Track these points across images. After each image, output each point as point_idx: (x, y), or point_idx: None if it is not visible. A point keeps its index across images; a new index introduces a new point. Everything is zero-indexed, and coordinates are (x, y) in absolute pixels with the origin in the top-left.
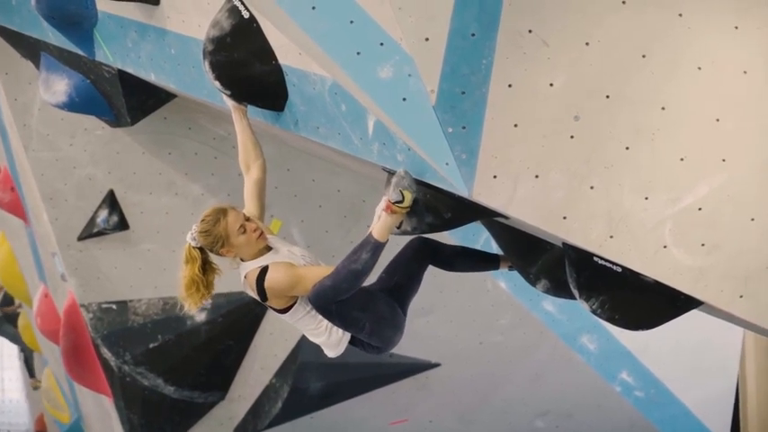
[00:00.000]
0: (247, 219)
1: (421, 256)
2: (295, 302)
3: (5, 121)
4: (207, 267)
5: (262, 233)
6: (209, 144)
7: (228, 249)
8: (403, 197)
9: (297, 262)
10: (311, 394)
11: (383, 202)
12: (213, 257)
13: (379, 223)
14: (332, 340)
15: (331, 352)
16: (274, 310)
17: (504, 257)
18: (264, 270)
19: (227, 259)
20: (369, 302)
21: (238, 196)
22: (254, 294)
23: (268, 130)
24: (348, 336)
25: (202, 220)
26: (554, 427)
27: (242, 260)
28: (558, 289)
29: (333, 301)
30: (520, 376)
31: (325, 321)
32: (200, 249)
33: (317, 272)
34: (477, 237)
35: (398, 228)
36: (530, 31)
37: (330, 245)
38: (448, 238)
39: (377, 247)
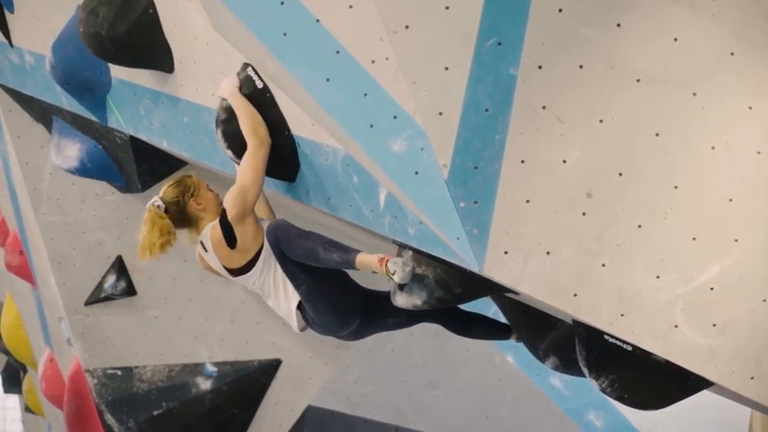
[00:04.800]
0: None
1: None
2: (258, 256)
3: (16, 185)
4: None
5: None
6: None
7: (198, 200)
8: (393, 276)
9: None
10: None
11: (386, 256)
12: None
13: (367, 259)
14: (282, 310)
15: (289, 322)
16: (237, 271)
17: None
18: (223, 213)
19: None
20: (318, 272)
21: None
22: (218, 259)
23: (279, 200)
24: (294, 311)
25: (169, 183)
26: None
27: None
28: (568, 366)
29: (281, 244)
30: None
31: (281, 289)
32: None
33: (250, 176)
34: (486, 310)
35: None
36: (543, 108)
37: None
38: None
39: (347, 264)
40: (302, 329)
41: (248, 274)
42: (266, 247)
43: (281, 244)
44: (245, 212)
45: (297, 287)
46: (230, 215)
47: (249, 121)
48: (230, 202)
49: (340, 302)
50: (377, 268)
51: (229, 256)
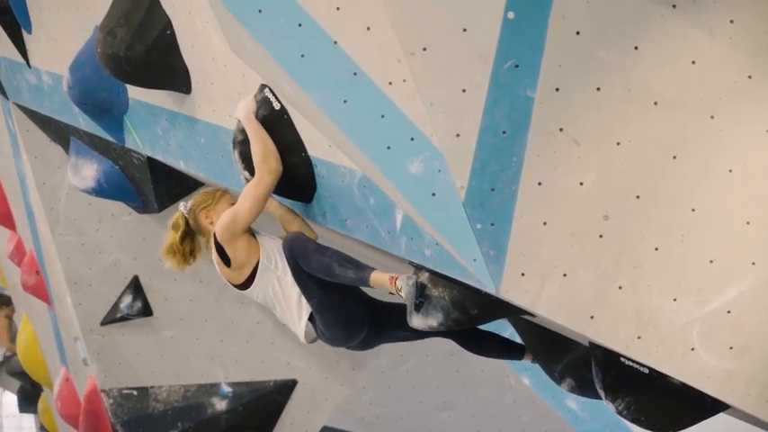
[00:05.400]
0: None
1: None
2: (255, 272)
3: (33, 205)
4: (187, 239)
5: None
6: None
7: (208, 214)
8: (400, 293)
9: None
10: None
11: (396, 275)
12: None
13: (381, 277)
14: (289, 320)
15: (295, 332)
16: (241, 285)
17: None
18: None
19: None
20: (331, 285)
21: None
22: (223, 276)
23: None
24: (304, 323)
25: (202, 191)
26: None
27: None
28: (584, 388)
29: (296, 258)
30: None
31: (282, 300)
32: (186, 222)
33: (248, 203)
34: (502, 331)
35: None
36: (561, 130)
37: None
38: None
39: (361, 281)
40: (312, 341)
41: (249, 289)
42: (263, 263)
43: (297, 257)
44: (234, 236)
45: (309, 299)
46: (219, 238)
47: (261, 149)
48: (221, 225)
49: (349, 316)
50: (388, 287)
51: (229, 273)
